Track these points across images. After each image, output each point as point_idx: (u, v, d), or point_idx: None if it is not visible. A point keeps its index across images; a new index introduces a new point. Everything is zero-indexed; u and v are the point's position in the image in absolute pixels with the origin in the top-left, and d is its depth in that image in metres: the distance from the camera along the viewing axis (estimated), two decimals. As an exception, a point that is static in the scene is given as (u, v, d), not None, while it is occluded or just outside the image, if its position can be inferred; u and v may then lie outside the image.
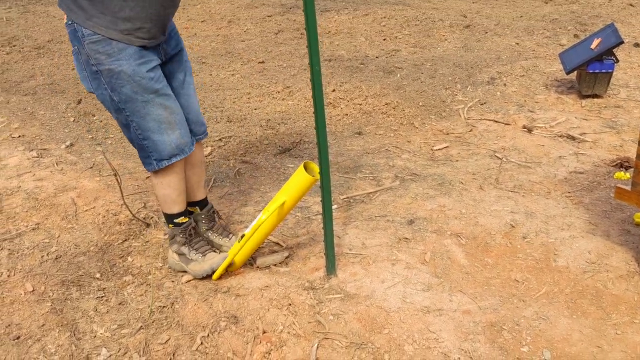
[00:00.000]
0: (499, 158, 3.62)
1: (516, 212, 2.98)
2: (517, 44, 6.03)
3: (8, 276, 2.60)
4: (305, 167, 2.41)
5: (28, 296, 2.47)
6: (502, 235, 2.80)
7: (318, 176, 2.36)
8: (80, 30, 2.15)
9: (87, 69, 2.24)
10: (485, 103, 4.53)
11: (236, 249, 2.49)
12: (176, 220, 2.57)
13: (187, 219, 2.60)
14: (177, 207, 2.54)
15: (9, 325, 2.30)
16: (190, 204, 2.72)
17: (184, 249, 2.59)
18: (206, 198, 2.78)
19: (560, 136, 3.88)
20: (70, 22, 2.18)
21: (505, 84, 4.86)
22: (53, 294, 2.48)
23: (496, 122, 4.19)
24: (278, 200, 2.43)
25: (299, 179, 2.40)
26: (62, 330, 2.26)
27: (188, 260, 2.57)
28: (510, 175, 3.40)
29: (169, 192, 2.48)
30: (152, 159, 2.37)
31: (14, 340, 2.22)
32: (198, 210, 2.75)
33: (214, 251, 2.63)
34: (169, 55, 2.41)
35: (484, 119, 4.25)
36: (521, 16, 7.11)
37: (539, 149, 3.72)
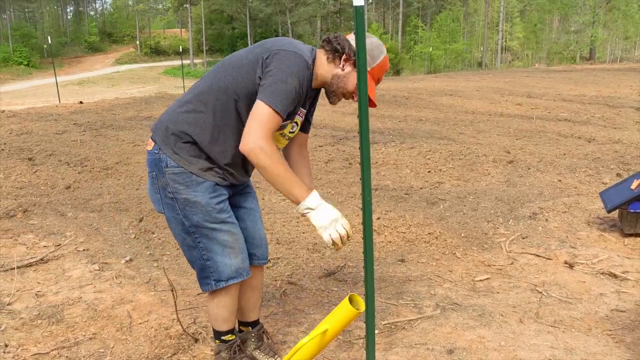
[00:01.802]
0: (540, 292, 3.67)
1: (556, 347, 3.00)
2: (560, 180, 6.21)
3: (64, 382, 2.76)
4: (351, 299, 2.54)
5: (81, 403, 2.60)
6: (542, 370, 2.81)
7: (362, 309, 2.48)
8: (166, 160, 2.44)
9: (162, 194, 2.50)
10: (526, 237, 4.64)
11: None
12: (223, 338, 2.73)
13: (234, 337, 2.74)
14: (226, 326, 2.71)
15: None
16: (243, 323, 2.88)
17: (228, 366, 2.71)
18: (258, 319, 2.94)
19: (602, 273, 3.92)
20: (156, 151, 2.47)
21: (547, 219, 4.98)
22: (104, 402, 2.61)
23: (537, 256, 4.28)
24: (321, 327, 2.55)
25: (343, 310, 2.52)
26: None
27: (231, 377, 2.69)
28: (550, 309, 3.44)
29: (222, 312, 2.65)
30: (212, 279, 2.56)
31: None
32: (250, 329, 2.89)
33: (258, 370, 2.74)
34: (236, 191, 2.71)
35: (526, 253, 4.34)
36: (564, 154, 7.34)
37: (580, 285, 3.76)
